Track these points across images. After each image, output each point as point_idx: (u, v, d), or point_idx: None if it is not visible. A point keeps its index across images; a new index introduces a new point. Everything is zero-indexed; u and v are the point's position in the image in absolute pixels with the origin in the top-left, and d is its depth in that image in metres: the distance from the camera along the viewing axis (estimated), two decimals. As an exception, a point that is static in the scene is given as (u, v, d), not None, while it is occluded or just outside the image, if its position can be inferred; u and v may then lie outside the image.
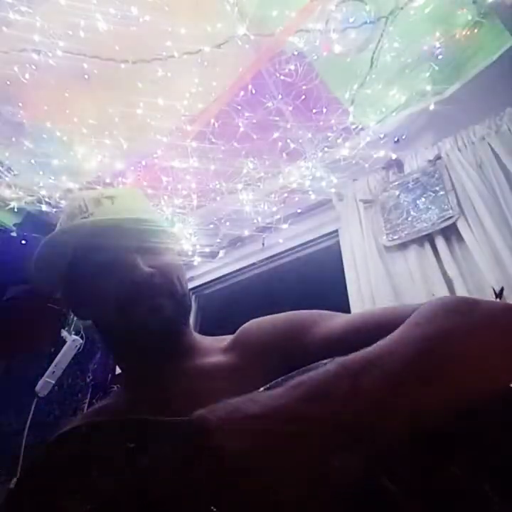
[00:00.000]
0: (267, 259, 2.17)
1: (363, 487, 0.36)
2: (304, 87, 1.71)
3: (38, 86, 1.64)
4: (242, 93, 1.75)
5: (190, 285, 2.35)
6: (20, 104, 1.71)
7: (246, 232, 2.16)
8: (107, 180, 1.97)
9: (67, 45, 1.54)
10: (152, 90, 1.69)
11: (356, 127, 1.84)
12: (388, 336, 0.46)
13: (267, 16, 1.58)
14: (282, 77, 1.69)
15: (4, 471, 1.87)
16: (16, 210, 1.95)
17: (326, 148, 1.89)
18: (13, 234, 2.03)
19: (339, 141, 1.86)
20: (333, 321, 0.63)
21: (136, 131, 1.80)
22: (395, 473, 0.38)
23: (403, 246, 1.65)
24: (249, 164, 1.90)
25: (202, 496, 0.37)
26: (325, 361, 0.53)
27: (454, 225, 1.56)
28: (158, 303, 0.64)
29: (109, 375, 2.18)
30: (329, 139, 1.85)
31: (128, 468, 0.46)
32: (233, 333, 0.73)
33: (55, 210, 1.94)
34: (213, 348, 0.70)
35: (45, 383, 1.99)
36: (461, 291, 1.43)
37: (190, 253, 2.17)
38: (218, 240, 2.26)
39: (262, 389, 0.51)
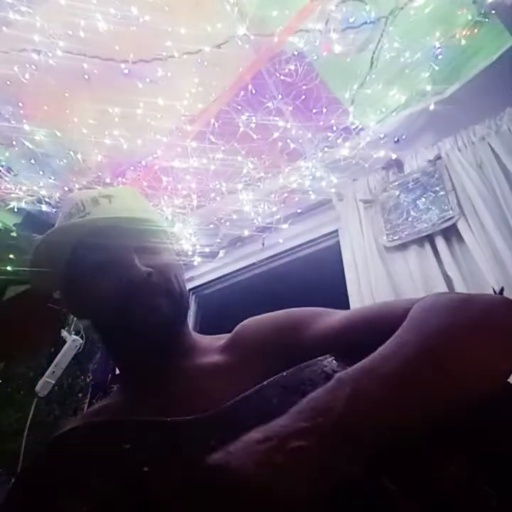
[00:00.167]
0: (267, 259, 2.17)
1: (363, 487, 0.36)
2: (304, 87, 1.71)
3: (38, 86, 1.64)
4: (242, 93, 1.75)
5: (190, 285, 2.35)
6: (20, 104, 1.71)
7: (246, 232, 2.16)
8: (107, 180, 1.97)
9: (67, 45, 1.54)
10: (152, 90, 1.69)
11: (356, 127, 1.84)
12: (386, 343, 0.46)
13: (267, 16, 1.58)
14: (282, 77, 1.69)
15: (4, 471, 1.87)
16: (16, 210, 1.95)
17: (326, 148, 1.89)
18: (13, 234, 2.03)
19: (339, 141, 1.86)
20: (329, 317, 0.63)
21: (136, 131, 1.80)
22: (395, 473, 0.38)
23: (403, 246, 1.65)
24: (249, 164, 1.90)
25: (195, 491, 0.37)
26: (322, 358, 0.53)
27: (454, 225, 1.56)
28: (156, 302, 0.64)
29: (109, 375, 2.17)
30: (329, 139, 1.85)
31: (126, 468, 0.46)
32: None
33: (55, 210, 1.94)
34: (211, 347, 0.70)
35: (45, 383, 1.99)
36: (461, 292, 1.43)
37: (190, 253, 2.17)
38: (218, 240, 2.26)
39: (260, 386, 0.51)
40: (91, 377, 2.22)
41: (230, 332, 0.73)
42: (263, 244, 2.16)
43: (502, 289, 1.34)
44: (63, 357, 2.05)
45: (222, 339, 0.71)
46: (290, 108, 1.78)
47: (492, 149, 1.59)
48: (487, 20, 1.56)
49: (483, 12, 1.55)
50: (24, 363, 2.31)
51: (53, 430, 0.65)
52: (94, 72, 1.63)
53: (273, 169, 1.95)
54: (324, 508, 0.34)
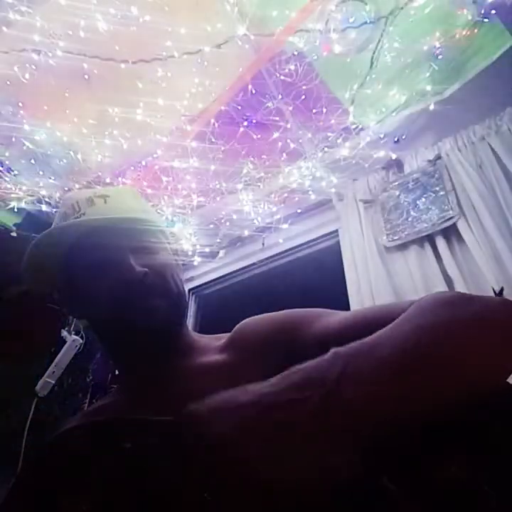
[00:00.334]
0: (267, 259, 2.17)
1: (363, 487, 0.36)
2: (304, 87, 1.71)
3: (38, 86, 1.64)
4: (242, 93, 1.75)
5: (190, 285, 2.35)
6: (20, 104, 1.71)
7: (246, 232, 2.16)
8: (107, 180, 1.97)
9: (67, 45, 1.54)
10: (152, 90, 1.69)
11: (356, 127, 1.84)
12: (383, 329, 0.46)
13: (267, 16, 1.58)
14: (282, 77, 1.69)
15: (4, 471, 1.87)
16: (16, 210, 1.95)
17: (326, 148, 1.89)
18: (13, 234, 2.03)
19: (339, 141, 1.86)
20: (330, 318, 0.63)
21: (136, 131, 1.80)
22: (395, 473, 0.38)
23: (403, 246, 1.65)
24: (249, 164, 1.90)
25: (196, 486, 0.36)
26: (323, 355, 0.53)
27: (454, 225, 1.56)
28: (153, 303, 0.64)
29: (109, 375, 2.17)
30: (329, 139, 1.85)
31: (126, 468, 0.46)
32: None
33: (55, 210, 1.94)
34: (210, 347, 0.70)
35: (45, 383, 1.99)
36: (461, 292, 1.43)
37: (190, 253, 2.17)
38: (218, 240, 2.26)
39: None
40: (91, 377, 2.22)
41: (229, 332, 0.73)
42: (263, 244, 2.16)
43: (502, 289, 1.34)
44: (63, 357, 2.06)
45: (221, 339, 0.71)
46: (290, 108, 1.78)
47: (492, 149, 1.59)
48: (487, 20, 1.56)
49: (483, 12, 1.55)
50: (24, 363, 2.31)
51: (53, 430, 0.64)
52: (94, 72, 1.63)
53: (273, 169, 1.95)
54: (324, 508, 0.34)
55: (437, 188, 1.65)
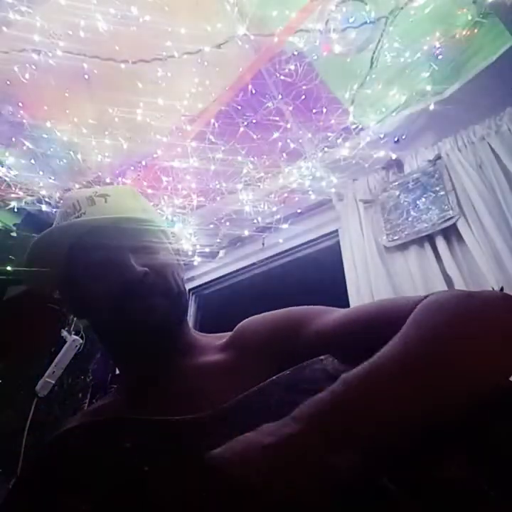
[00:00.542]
0: (267, 259, 2.17)
1: (363, 487, 0.36)
2: (304, 87, 1.71)
3: (38, 86, 1.64)
4: (242, 93, 1.75)
5: (190, 285, 2.35)
6: (20, 104, 1.71)
7: (246, 232, 2.16)
8: (107, 180, 1.97)
9: (67, 45, 1.54)
10: (152, 90, 1.69)
11: (356, 127, 1.84)
12: (391, 341, 0.46)
13: (267, 16, 1.58)
14: (282, 77, 1.69)
15: (4, 471, 1.87)
16: (16, 210, 1.95)
17: (326, 148, 1.89)
18: (13, 234, 2.03)
19: (339, 141, 1.86)
20: (330, 315, 0.63)
21: (136, 131, 1.80)
22: (395, 473, 0.38)
23: (403, 246, 1.65)
24: (249, 164, 1.90)
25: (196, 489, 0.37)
26: (323, 357, 0.53)
27: (454, 225, 1.56)
28: (153, 303, 0.63)
29: (109, 375, 2.17)
30: (329, 139, 1.85)
31: (127, 467, 0.46)
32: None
33: (55, 210, 1.94)
34: (211, 346, 0.70)
35: (45, 383, 1.99)
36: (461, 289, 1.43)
37: (190, 253, 2.17)
38: (218, 240, 2.26)
39: (261, 385, 0.51)
40: (91, 377, 2.22)
41: (229, 332, 0.73)
42: (263, 244, 2.16)
43: (502, 289, 1.34)
44: (63, 357, 2.06)
45: (222, 338, 0.71)
46: (290, 108, 1.78)
47: (492, 149, 1.59)
48: (487, 20, 1.56)
49: (483, 12, 1.55)
50: (24, 363, 2.31)
51: (53, 430, 0.64)
52: (94, 72, 1.62)
53: (273, 169, 1.95)
54: (324, 509, 0.34)
55: (437, 188, 1.65)
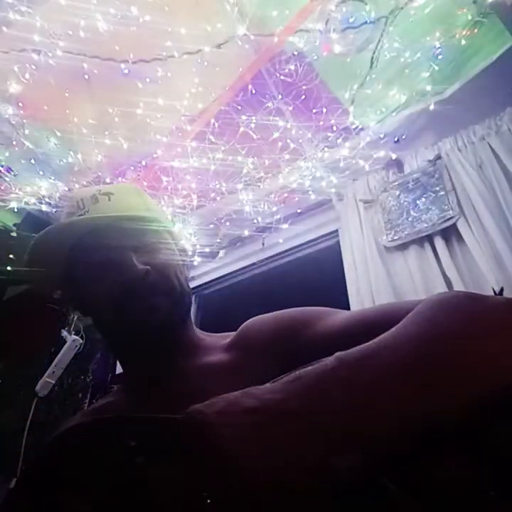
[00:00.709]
0: (267, 259, 2.17)
1: (363, 487, 0.36)
2: (304, 87, 1.71)
3: (38, 86, 1.64)
4: (242, 93, 1.75)
5: (190, 285, 2.35)
6: (20, 104, 1.71)
7: (246, 232, 2.16)
8: (107, 180, 1.97)
9: (67, 45, 1.54)
10: (152, 90, 1.69)
11: (356, 127, 1.84)
12: (388, 331, 0.46)
13: (267, 16, 1.58)
14: (282, 77, 1.69)
15: (4, 471, 1.87)
16: (16, 210, 1.95)
17: (326, 148, 1.89)
18: (13, 234, 2.03)
19: (339, 141, 1.86)
20: (335, 316, 0.63)
21: (136, 131, 1.80)
22: (396, 473, 0.38)
23: (403, 246, 1.65)
24: (249, 164, 1.90)
25: (196, 486, 0.36)
26: (325, 359, 0.53)
27: (454, 225, 1.56)
28: (154, 302, 0.63)
29: (109, 375, 2.18)
30: (329, 139, 1.85)
31: (129, 467, 0.46)
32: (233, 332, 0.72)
33: (55, 210, 1.94)
34: (215, 346, 0.70)
35: (45, 383, 1.99)
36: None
37: (190, 253, 2.17)
38: (218, 240, 2.26)
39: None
40: (91, 377, 2.22)
41: (229, 332, 0.73)
42: (263, 244, 2.16)
43: (502, 289, 1.34)
44: (63, 357, 2.06)
45: (227, 338, 0.71)
46: (290, 108, 1.78)
47: (492, 149, 1.59)
48: (487, 20, 1.56)
49: (483, 12, 1.55)
50: (24, 363, 2.31)
51: (53, 430, 0.64)
52: (94, 72, 1.63)
53: (273, 169, 1.95)
54: (324, 509, 0.34)
55: (437, 188, 1.65)
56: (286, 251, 2.14)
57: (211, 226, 2.19)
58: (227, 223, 2.17)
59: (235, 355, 0.66)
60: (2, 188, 1.87)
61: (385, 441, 0.38)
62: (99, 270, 0.64)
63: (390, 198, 1.76)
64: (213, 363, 0.65)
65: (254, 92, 1.74)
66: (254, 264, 2.21)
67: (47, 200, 1.93)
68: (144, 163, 1.95)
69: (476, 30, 1.59)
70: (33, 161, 1.86)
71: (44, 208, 1.94)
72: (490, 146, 1.60)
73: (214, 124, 1.80)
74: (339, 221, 1.94)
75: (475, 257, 1.47)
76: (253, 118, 1.77)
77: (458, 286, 1.45)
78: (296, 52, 1.66)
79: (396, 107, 1.81)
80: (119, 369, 2.18)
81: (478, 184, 1.56)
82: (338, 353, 0.43)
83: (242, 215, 2.09)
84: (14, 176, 1.89)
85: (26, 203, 1.94)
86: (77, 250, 0.66)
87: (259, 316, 0.72)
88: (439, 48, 1.63)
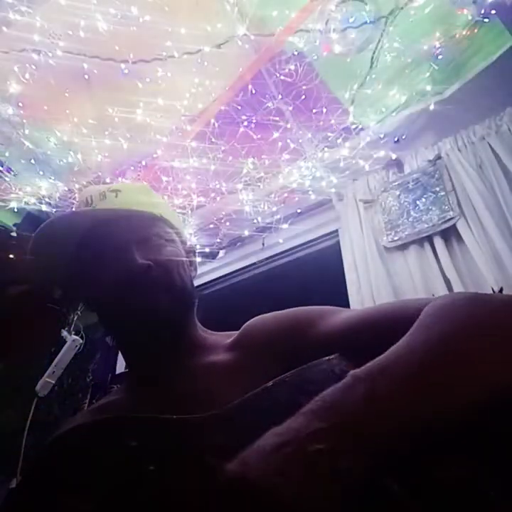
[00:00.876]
0: (267, 259, 2.17)
1: (365, 487, 0.36)
2: (304, 87, 1.71)
3: (38, 86, 1.64)
4: (242, 93, 1.75)
5: (191, 285, 2.35)
6: (20, 104, 1.71)
7: (246, 232, 2.16)
8: (107, 180, 1.97)
9: (67, 45, 1.54)
10: (152, 90, 1.69)
11: (356, 127, 1.84)
12: (400, 341, 0.45)
13: (267, 16, 1.58)
14: (282, 77, 1.69)
15: (4, 471, 1.87)
16: (16, 210, 1.95)
17: (326, 148, 1.89)
18: (13, 234, 2.03)
19: (339, 141, 1.86)
20: (339, 315, 0.62)
21: (136, 131, 1.80)
22: (398, 473, 0.38)
23: (403, 246, 1.65)
24: (249, 164, 1.90)
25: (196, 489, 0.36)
26: (329, 357, 0.53)
27: (454, 225, 1.56)
28: (155, 297, 0.63)
29: (109, 375, 2.18)
30: (329, 139, 1.85)
31: (131, 467, 0.46)
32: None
33: (55, 210, 1.94)
34: (218, 345, 0.69)
35: (45, 383, 1.99)
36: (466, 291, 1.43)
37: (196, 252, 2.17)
38: (218, 240, 2.26)
39: (267, 385, 0.51)
40: (91, 377, 2.22)
41: (229, 332, 0.73)
42: (263, 244, 2.16)
43: (501, 290, 1.34)
44: (63, 357, 2.05)
45: (230, 336, 0.71)
46: (290, 108, 1.78)
47: (492, 149, 1.59)
48: (487, 20, 1.56)
49: (483, 12, 1.55)
50: (24, 363, 2.31)
51: (53, 430, 0.64)
52: (94, 72, 1.63)
53: (273, 169, 1.95)
54: (326, 508, 0.34)
55: (437, 188, 1.65)
56: (286, 251, 2.14)
57: (211, 226, 2.19)
58: (227, 223, 2.17)
59: (238, 354, 0.65)
60: (2, 188, 1.87)
61: (395, 444, 0.37)
62: (101, 262, 0.65)
63: (390, 198, 1.76)
64: (216, 362, 0.65)
65: (254, 92, 1.74)
66: (254, 264, 2.21)
67: (47, 200, 1.93)
68: (144, 163, 1.95)
69: (476, 30, 1.59)
70: (33, 161, 1.86)
71: (44, 207, 1.94)
72: (490, 146, 1.60)
73: (214, 124, 1.80)
74: (339, 221, 1.93)
75: (475, 258, 1.46)
76: (253, 118, 1.77)
77: (457, 287, 1.45)
78: (296, 52, 1.66)
79: (396, 107, 1.81)
80: (119, 369, 2.18)
81: (478, 184, 1.56)
82: (352, 372, 0.42)
83: (242, 215, 2.09)
84: (14, 175, 1.89)
85: (26, 203, 1.94)
86: (81, 242, 0.66)
87: (262, 315, 0.72)
88: (439, 48, 1.63)
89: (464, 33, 1.60)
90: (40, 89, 1.68)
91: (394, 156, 1.86)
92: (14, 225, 2.08)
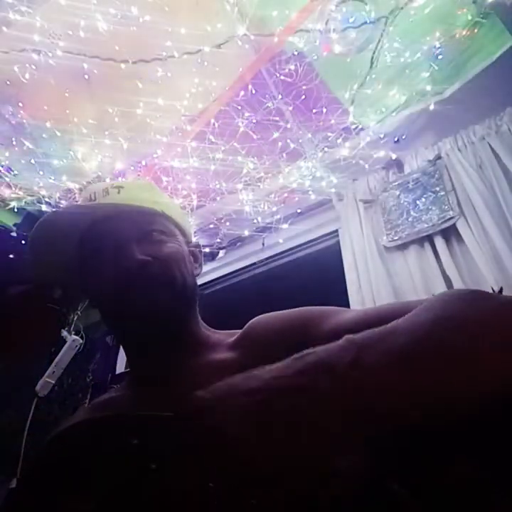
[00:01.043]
0: (267, 259, 2.17)
1: (368, 488, 0.36)
2: (304, 87, 1.71)
3: (38, 86, 1.64)
4: (242, 93, 1.75)
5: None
6: (20, 104, 1.71)
7: (246, 232, 2.16)
8: (107, 180, 1.97)
9: (67, 45, 1.54)
10: (152, 90, 1.69)
11: (356, 127, 1.84)
12: (400, 319, 0.45)
13: (267, 16, 1.57)
14: (282, 77, 1.69)
15: (4, 471, 1.87)
16: (16, 210, 1.95)
17: (326, 148, 1.89)
18: (13, 234, 2.03)
19: (339, 141, 1.86)
20: (341, 315, 0.62)
21: (136, 131, 1.80)
22: (400, 474, 0.38)
23: (403, 246, 1.65)
24: (249, 164, 1.90)
25: (200, 474, 0.36)
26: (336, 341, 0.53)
27: (454, 225, 1.56)
28: (154, 294, 0.62)
29: (109, 375, 2.18)
30: (329, 139, 1.85)
31: (132, 465, 0.46)
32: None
33: (55, 210, 1.94)
34: (221, 344, 0.69)
35: (45, 383, 1.99)
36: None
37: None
38: (218, 240, 2.26)
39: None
40: (91, 377, 2.22)
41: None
42: (263, 244, 2.16)
43: (501, 290, 1.34)
44: (63, 357, 2.05)
45: (233, 335, 0.70)
46: (290, 108, 1.78)
47: (492, 149, 1.59)
48: (487, 20, 1.56)
49: (483, 12, 1.55)
50: (24, 363, 2.31)
51: (53, 430, 0.64)
52: (94, 72, 1.62)
53: (273, 169, 1.95)
54: (328, 509, 0.34)
55: (437, 188, 1.65)
56: (286, 251, 2.13)
57: (211, 226, 2.19)
58: (227, 223, 2.17)
59: (241, 353, 0.65)
60: (2, 188, 1.87)
61: (387, 420, 0.36)
62: (100, 257, 0.65)
63: (390, 198, 1.76)
64: (218, 361, 0.64)
65: (254, 92, 1.74)
66: (254, 264, 2.21)
67: (47, 200, 1.93)
68: (144, 163, 1.95)
69: (476, 30, 1.59)
70: (33, 161, 1.86)
71: (44, 207, 1.94)
72: (490, 146, 1.60)
73: (214, 124, 1.80)
74: (339, 221, 1.93)
75: (475, 257, 1.46)
76: (253, 118, 1.77)
77: (457, 286, 1.45)
78: (296, 52, 1.66)
79: (396, 107, 1.81)
80: (119, 369, 2.18)
81: (478, 184, 1.56)
82: (347, 335, 0.42)
83: (242, 215, 2.09)
84: (14, 175, 1.89)
85: (26, 203, 1.94)
86: (76, 240, 0.66)
87: (265, 314, 0.71)
88: (439, 47, 1.63)
89: (464, 33, 1.60)
90: (40, 89, 1.68)
91: (394, 156, 1.86)
92: (14, 225, 2.08)
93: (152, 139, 1.83)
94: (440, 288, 1.47)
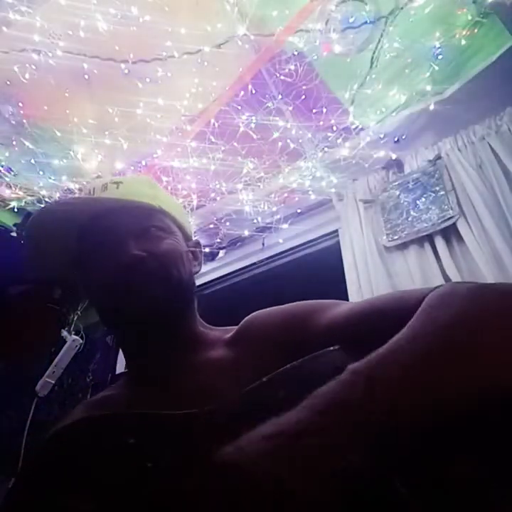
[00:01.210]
0: (267, 259, 2.17)
1: (369, 487, 0.36)
2: (304, 87, 1.71)
3: (38, 86, 1.64)
4: (242, 93, 1.75)
5: (191, 285, 2.35)
6: (20, 104, 1.71)
7: (246, 232, 2.16)
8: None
9: (67, 45, 1.54)
10: (152, 90, 1.69)
11: (356, 127, 1.84)
12: (400, 333, 0.44)
13: (267, 15, 1.57)
14: (282, 77, 1.69)
15: (4, 471, 1.87)
16: (15, 210, 1.95)
17: (326, 148, 1.89)
18: (13, 234, 2.03)
19: (339, 141, 1.86)
20: (339, 308, 0.62)
21: (136, 131, 1.80)
22: (403, 474, 0.37)
23: (403, 246, 1.65)
24: (249, 164, 1.90)
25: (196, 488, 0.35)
26: (331, 349, 0.53)
27: (454, 225, 1.56)
28: (149, 290, 0.62)
29: (109, 375, 2.17)
30: (329, 139, 1.85)
31: (130, 464, 0.46)
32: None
33: (54, 200, 1.94)
34: (217, 341, 0.69)
35: (45, 383, 1.99)
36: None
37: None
38: (218, 240, 2.26)
39: (265, 379, 0.50)
40: (91, 377, 2.22)
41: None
42: (263, 244, 2.16)
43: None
44: (63, 357, 2.05)
45: (229, 332, 0.70)
46: (290, 108, 1.78)
47: (492, 149, 1.59)
48: (487, 20, 1.56)
49: (483, 12, 1.55)
50: (24, 363, 2.31)
51: (52, 428, 0.64)
52: (94, 72, 1.62)
53: (273, 169, 1.95)
54: (330, 509, 0.34)
55: (437, 188, 1.65)
56: (286, 251, 2.13)
57: (211, 226, 2.19)
58: (227, 223, 2.17)
59: (238, 349, 0.65)
60: (2, 188, 1.87)
61: (407, 438, 0.36)
62: (97, 252, 0.64)
63: (390, 198, 1.76)
64: (215, 358, 0.64)
65: (254, 92, 1.74)
66: (254, 264, 2.21)
67: (47, 200, 1.93)
68: (144, 163, 1.95)
69: (476, 30, 1.59)
70: (33, 161, 1.86)
71: (44, 207, 1.94)
72: (490, 146, 1.60)
73: (214, 124, 1.80)
74: (339, 221, 1.93)
75: (475, 257, 1.46)
76: (253, 118, 1.77)
77: (458, 286, 1.45)
78: (296, 52, 1.66)
79: (396, 107, 1.81)
80: (119, 369, 2.18)
81: (478, 184, 1.56)
82: (350, 366, 0.41)
83: (242, 215, 2.09)
84: (14, 175, 1.89)
85: (26, 203, 1.94)
86: (79, 232, 0.66)
87: (261, 310, 0.71)
88: (439, 47, 1.63)
89: (464, 33, 1.60)
90: (40, 89, 1.68)
91: (394, 156, 1.86)
92: (14, 225, 2.08)
93: (152, 139, 1.82)
94: (440, 288, 1.46)
